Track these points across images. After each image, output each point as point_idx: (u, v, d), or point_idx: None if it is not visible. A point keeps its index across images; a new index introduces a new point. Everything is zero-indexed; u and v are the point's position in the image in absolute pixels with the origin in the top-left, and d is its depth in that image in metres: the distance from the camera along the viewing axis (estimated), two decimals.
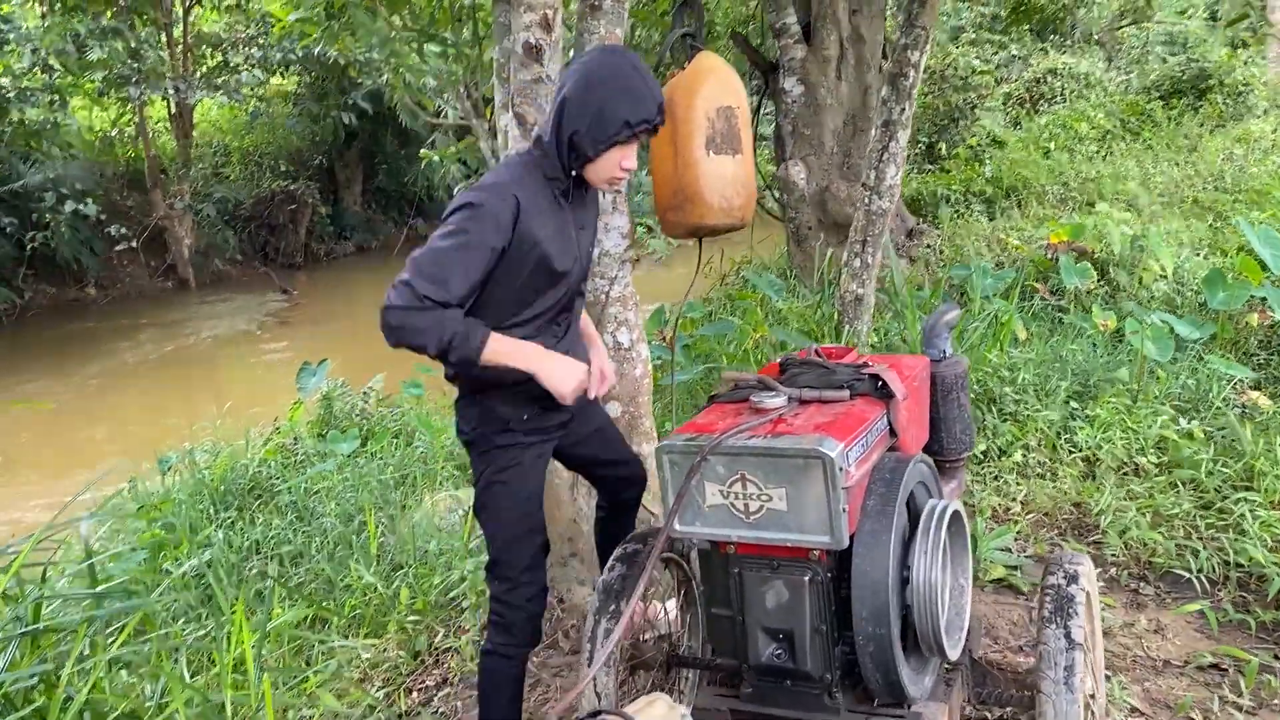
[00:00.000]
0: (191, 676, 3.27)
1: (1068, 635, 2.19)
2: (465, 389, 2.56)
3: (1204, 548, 3.51)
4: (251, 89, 16.68)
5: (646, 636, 2.88)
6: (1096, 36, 19.97)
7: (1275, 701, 2.81)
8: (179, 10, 16.07)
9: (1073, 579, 2.30)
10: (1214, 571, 3.45)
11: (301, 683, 3.53)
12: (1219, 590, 3.38)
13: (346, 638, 3.87)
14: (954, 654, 2.23)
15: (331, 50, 15.64)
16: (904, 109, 4.87)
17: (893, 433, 2.35)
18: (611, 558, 2.68)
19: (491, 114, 4.65)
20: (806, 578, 2.14)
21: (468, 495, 5.31)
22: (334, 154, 19.89)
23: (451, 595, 4.04)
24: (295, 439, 6.74)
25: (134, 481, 6.08)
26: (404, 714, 3.45)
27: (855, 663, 2.23)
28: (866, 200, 5.10)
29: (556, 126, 2.36)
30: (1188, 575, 3.44)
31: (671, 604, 2.96)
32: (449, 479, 5.72)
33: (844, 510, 2.02)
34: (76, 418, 11.18)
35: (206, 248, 17.95)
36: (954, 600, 2.33)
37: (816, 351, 2.54)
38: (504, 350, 2.30)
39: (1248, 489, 3.81)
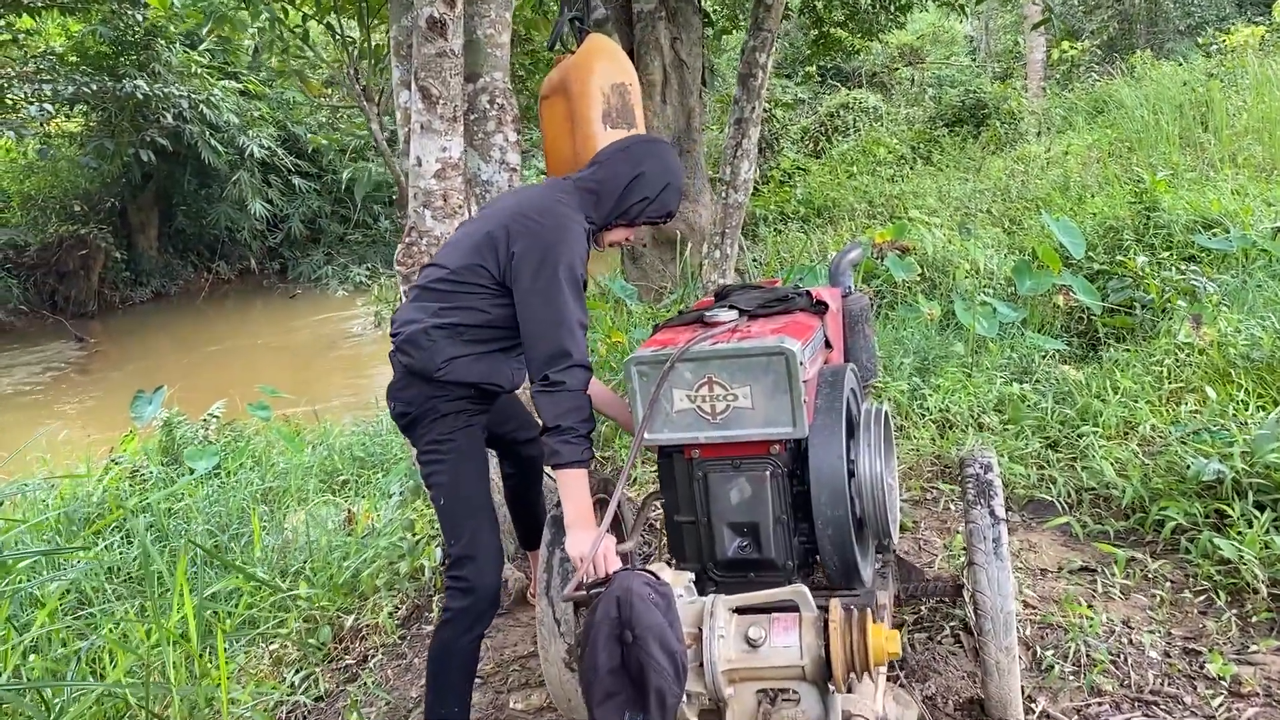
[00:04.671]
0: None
1: (992, 512, 2.46)
2: (405, 372, 2.61)
3: (1059, 476, 3.93)
4: (41, 124, 15.68)
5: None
6: (877, 77, 21.60)
7: (1141, 589, 3.20)
8: None
9: (988, 468, 2.58)
10: (1069, 496, 3.87)
11: (202, 677, 3.43)
12: (1075, 511, 3.79)
13: (240, 640, 3.77)
14: (896, 539, 2.46)
15: (137, 81, 14.98)
16: (754, 107, 5.23)
17: (827, 344, 2.58)
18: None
19: (380, 98, 4.67)
20: (767, 472, 2.32)
21: (346, 501, 5.23)
22: (128, 196, 18.82)
23: (352, 585, 3.99)
24: (135, 469, 6.42)
25: None
26: (324, 695, 3.40)
27: (811, 551, 2.43)
28: (724, 194, 5.41)
29: (626, 188, 2.60)
30: (1049, 500, 3.84)
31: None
32: (317, 492, 5.60)
33: (804, 402, 2.22)
34: None
35: None
36: (888, 495, 2.56)
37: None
38: (574, 485, 2.34)
39: (1082, 428, 4.29)
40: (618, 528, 3.12)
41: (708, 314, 2.45)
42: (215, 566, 4.41)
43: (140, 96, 15.70)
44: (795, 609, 1.97)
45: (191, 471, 5.75)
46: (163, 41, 16.41)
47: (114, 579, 4.63)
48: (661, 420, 2.32)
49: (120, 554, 4.84)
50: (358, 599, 3.94)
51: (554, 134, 3.74)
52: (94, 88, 14.40)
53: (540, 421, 2.37)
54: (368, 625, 3.69)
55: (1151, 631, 2.90)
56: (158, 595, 3.16)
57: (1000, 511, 2.47)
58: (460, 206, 3.52)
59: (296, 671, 3.52)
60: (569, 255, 2.40)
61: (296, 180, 19.97)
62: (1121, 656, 2.80)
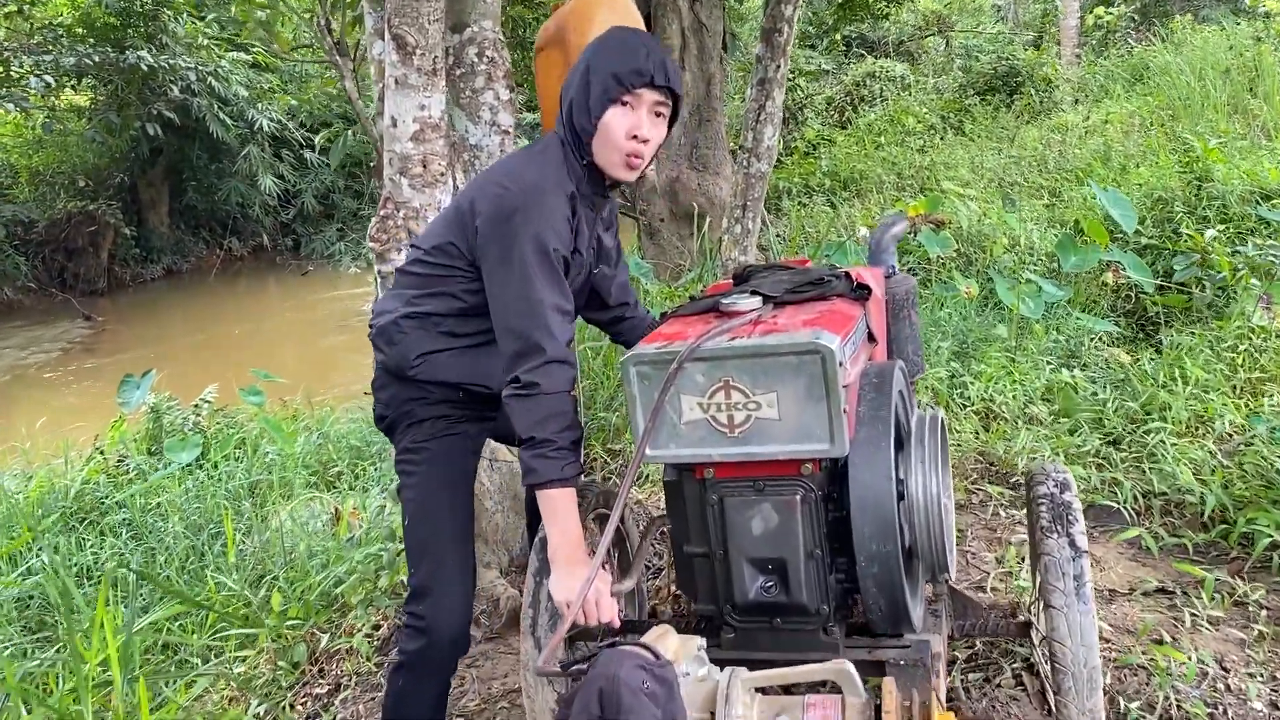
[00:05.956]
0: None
1: (1073, 543, 2.01)
2: (382, 369, 2.23)
3: (1124, 478, 3.46)
4: (42, 96, 15.29)
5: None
6: (903, 45, 20.90)
7: (1232, 618, 2.74)
8: None
9: (1064, 487, 2.13)
10: (1136, 502, 3.41)
11: (161, 706, 3.05)
12: (1145, 520, 3.33)
13: (208, 659, 3.38)
14: (954, 572, 2.02)
15: (142, 53, 14.59)
16: (779, 65, 4.75)
17: (871, 338, 2.13)
18: None
19: (355, 52, 4.22)
20: (798, 496, 1.87)
21: (333, 498, 4.83)
22: (137, 171, 18.43)
23: (332, 597, 3.60)
24: (120, 458, 6.04)
25: None
26: None
27: (850, 591, 1.99)
28: (745, 163, 4.94)
29: (565, 114, 2.09)
30: (1114, 506, 3.37)
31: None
32: (306, 486, 5.20)
33: (844, 412, 1.78)
34: None
35: None
36: (945, 519, 2.12)
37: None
38: (558, 508, 1.94)
39: (1148, 422, 3.82)
40: (622, 545, 2.70)
41: (724, 301, 2.00)
42: (185, 574, 4.04)
43: (145, 68, 15.29)
44: (836, 689, 1.54)
45: (169, 465, 5.35)
46: (169, 12, 15.98)
47: (87, 581, 4.27)
48: (667, 433, 1.87)
49: (94, 555, 4.49)
50: (336, 613, 3.55)
51: (548, 89, 3.29)
52: (97, 59, 13.98)
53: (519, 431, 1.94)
54: (344, 646, 3.28)
55: (1252, 675, 2.45)
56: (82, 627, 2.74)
57: (1082, 541, 2.01)
58: (442, 174, 3.07)
59: (263, 699, 3.13)
60: (536, 225, 1.92)
61: (308, 154, 19.54)
62: (1219, 708, 2.35)
